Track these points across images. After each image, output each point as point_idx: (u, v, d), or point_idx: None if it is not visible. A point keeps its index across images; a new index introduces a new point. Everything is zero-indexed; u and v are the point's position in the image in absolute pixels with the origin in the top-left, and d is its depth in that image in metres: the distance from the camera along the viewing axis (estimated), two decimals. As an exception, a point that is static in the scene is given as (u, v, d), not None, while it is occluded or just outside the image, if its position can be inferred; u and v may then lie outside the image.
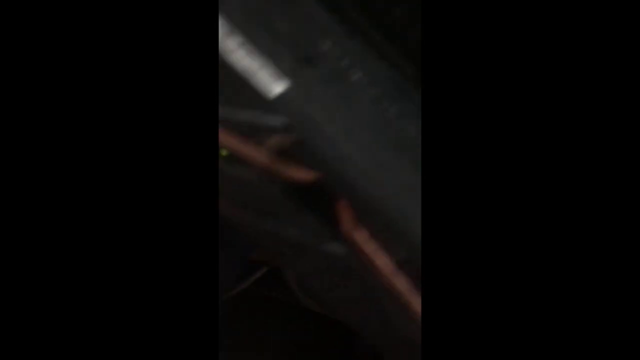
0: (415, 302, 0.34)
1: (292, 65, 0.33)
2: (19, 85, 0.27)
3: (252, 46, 0.32)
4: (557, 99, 0.27)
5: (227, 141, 0.34)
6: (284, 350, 0.63)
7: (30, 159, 0.27)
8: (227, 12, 0.32)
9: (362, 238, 0.33)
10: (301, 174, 0.32)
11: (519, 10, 0.27)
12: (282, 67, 0.32)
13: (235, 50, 0.31)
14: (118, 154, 0.27)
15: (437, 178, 0.27)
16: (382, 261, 0.33)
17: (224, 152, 0.37)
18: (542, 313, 0.26)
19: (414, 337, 0.35)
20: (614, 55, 0.26)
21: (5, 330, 0.26)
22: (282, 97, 0.32)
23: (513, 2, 0.27)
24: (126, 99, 0.28)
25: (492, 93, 0.27)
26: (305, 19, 0.41)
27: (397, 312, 0.34)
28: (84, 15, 0.28)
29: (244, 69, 0.31)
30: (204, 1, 0.29)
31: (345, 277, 0.35)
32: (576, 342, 0.26)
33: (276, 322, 0.64)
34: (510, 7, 0.27)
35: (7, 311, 0.26)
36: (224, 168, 0.35)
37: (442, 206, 0.27)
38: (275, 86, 0.32)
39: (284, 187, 0.33)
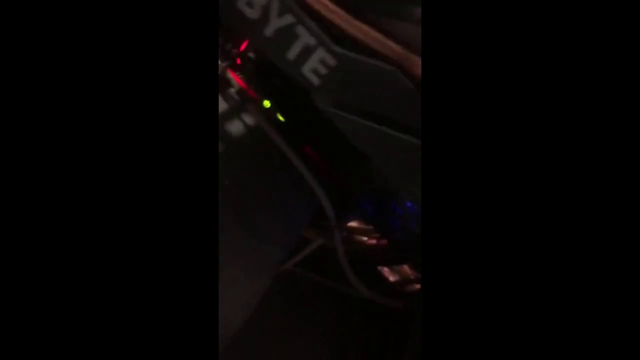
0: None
1: None
2: (18, 89, 0.27)
3: None
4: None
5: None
6: (333, 333, 0.60)
7: (29, 164, 0.27)
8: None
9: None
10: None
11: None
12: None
13: None
14: (122, 165, 0.28)
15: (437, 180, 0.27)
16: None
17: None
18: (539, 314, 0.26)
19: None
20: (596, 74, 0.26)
21: (5, 330, 0.26)
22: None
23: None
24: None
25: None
26: None
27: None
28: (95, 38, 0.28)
29: None
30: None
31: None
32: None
33: (325, 306, 0.61)
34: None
35: (7, 311, 0.26)
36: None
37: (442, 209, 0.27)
38: None
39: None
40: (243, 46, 0.54)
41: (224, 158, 0.53)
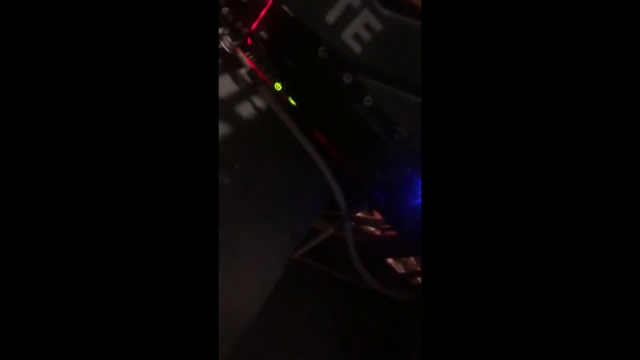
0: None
1: None
2: (18, 86, 0.27)
3: None
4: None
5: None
6: (339, 323, 0.58)
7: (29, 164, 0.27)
8: None
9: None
10: None
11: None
12: None
13: None
14: (120, 156, 0.27)
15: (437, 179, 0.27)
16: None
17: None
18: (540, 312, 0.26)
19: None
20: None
21: (5, 330, 0.26)
22: None
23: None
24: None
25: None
26: None
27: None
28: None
29: None
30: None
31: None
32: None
33: (333, 296, 0.59)
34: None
35: (7, 311, 0.26)
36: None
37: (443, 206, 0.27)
38: None
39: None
40: (254, 25, 0.51)
41: (233, 141, 0.50)
